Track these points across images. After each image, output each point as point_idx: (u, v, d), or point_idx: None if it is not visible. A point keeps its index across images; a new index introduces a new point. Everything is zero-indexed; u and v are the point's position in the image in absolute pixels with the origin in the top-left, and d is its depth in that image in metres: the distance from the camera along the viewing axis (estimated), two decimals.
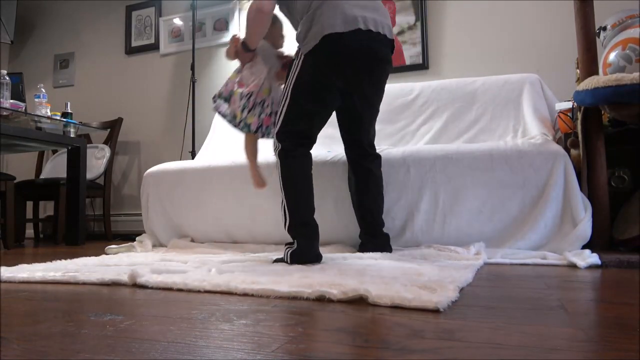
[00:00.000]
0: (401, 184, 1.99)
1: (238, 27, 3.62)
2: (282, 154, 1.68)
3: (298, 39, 1.70)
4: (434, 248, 1.83)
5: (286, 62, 1.87)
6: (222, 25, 3.69)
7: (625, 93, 1.65)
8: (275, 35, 1.91)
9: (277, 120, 1.70)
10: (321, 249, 1.97)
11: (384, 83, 1.80)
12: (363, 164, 1.85)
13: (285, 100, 1.67)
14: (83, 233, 2.95)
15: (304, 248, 1.59)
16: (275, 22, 1.90)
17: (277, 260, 1.64)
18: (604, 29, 2.04)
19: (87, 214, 3.53)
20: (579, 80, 2.02)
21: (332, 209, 2.08)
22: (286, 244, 1.66)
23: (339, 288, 1.04)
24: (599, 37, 2.05)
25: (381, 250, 1.78)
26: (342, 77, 1.65)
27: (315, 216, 2.10)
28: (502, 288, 1.17)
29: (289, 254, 1.59)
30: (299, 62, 1.66)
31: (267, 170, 2.06)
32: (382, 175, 1.89)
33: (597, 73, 1.92)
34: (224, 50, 3.60)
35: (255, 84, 1.78)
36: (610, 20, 2.02)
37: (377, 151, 1.94)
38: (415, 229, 1.98)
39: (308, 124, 1.70)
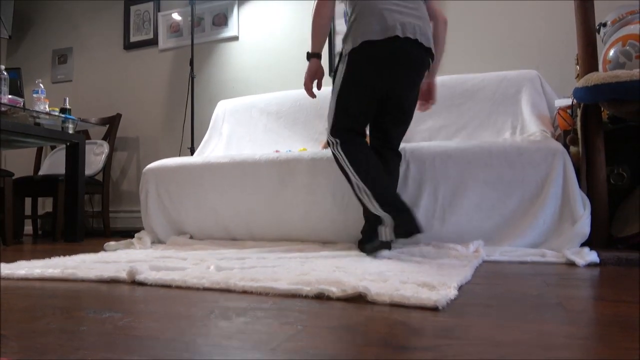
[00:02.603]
0: (401, 181, 1.99)
1: (237, 23, 3.61)
2: (341, 146, 1.72)
3: (343, 39, 1.79)
4: (432, 246, 1.84)
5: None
6: (221, 20, 3.68)
7: (624, 90, 1.65)
8: None
9: (328, 120, 1.78)
10: (321, 247, 1.98)
11: (418, 86, 1.83)
12: (382, 154, 1.84)
13: (334, 98, 1.76)
14: (82, 230, 2.95)
15: (403, 220, 1.57)
16: None
17: (365, 248, 1.68)
18: (604, 25, 2.03)
19: (85, 210, 3.53)
20: (579, 76, 2.01)
21: (331, 207, 2.08)
22: (374, 225, 1.64)
23: (338, 285, 1.04)
24: (599, 33, 2.04)
25: None
26: (380, 77, 1.71)
27: (314, 213, 2.11)
28: (501, 286, 1.17)
29: (388, 232, 1.58)
30: (344, 61, 1.74)
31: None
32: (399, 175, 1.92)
33: (597, 69, 1.91)
34: (223, 45, 3.63)
35: None
36: (611, 16, 2.02)
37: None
38: None
39: (357, 118, 1.75)
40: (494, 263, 1.62)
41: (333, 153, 1.76)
